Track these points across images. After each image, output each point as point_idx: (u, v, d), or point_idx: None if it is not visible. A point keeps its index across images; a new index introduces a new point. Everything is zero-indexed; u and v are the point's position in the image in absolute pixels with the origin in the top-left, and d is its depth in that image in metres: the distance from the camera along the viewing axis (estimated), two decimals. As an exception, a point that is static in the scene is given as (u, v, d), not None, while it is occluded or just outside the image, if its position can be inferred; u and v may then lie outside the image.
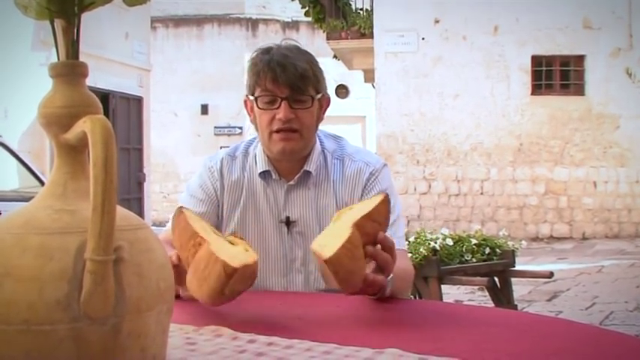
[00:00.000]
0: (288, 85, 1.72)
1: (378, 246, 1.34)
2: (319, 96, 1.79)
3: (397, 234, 1.71)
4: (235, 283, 1.21)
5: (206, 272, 1.22)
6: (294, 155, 1.78)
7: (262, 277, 1.77)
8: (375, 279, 1.33)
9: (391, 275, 1.42)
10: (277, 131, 1.74)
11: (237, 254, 1.25)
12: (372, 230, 1.31)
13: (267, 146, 1.78)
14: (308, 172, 1.81)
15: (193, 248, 1.26)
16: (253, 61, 1.78)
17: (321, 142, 1.86)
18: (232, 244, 1.33)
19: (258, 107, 1.76)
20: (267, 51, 1.77)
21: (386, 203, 1.35)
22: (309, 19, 14.87)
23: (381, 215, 1.33)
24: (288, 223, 1.80)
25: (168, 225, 1.85)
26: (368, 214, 1.30)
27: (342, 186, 1.81)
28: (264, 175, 1.83)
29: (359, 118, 18.36)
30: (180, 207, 1.38)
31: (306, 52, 1.80)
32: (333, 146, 1.87)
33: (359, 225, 1.28)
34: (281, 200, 1.81)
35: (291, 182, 1.82)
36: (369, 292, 1.37)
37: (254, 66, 1.76)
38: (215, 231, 1.35)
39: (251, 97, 1.79)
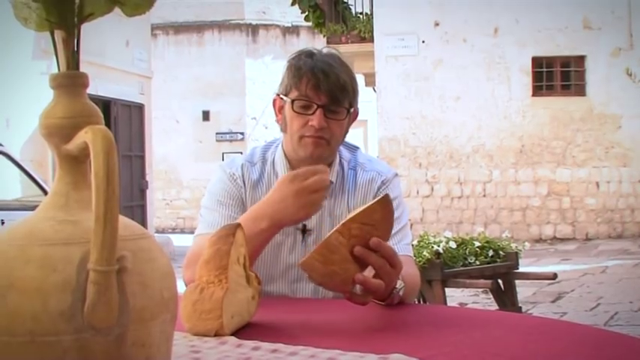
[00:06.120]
0: (327, 94, 1.70)
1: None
2: (352, 110, 1.78)
3: (403, 241, 1.74)
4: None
5: (203, 316, 1.21)
6: (319, 162, 1.74)
7: (271, 284, 1.77)
8: (366, 280, 1.28)
9: (402, 284, 1.43)
10: (309, 136, 1.72)
11: (239, 310, 1.26)
12: (360, 233, 1.26)
13: (295, 149, 1.75)
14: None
15: (216, 278, 1.23)
16: (295, 63, 1.74)
17: (339, 152, 1.85)
18: (248, 280, 1.32)
19: (293, 110, 1.73)
20: (310, 55, 1.74)
21: (383, 204, 1.30)
22: (309, 23, 14.90)
23: (374, 216, 1.28)
24: (305, 230, 1.79)
25: (198, 247, 1.71)
26: (353, 218, 1.27)
27: (355, 195, 1.81)
28: None
29: (360, 122, 18.28)
30: (238, 224, 1.32)
31: (346, 64, 1.79)
32: (348, 156, 1.87)
33: (342, 229, 1.26)
34: None
35: None
36: (367, 297, 1.32)
37: (296, 69, 1.73)
38: (240, 259, 1.30)
39: (284, 98, 1.76)
